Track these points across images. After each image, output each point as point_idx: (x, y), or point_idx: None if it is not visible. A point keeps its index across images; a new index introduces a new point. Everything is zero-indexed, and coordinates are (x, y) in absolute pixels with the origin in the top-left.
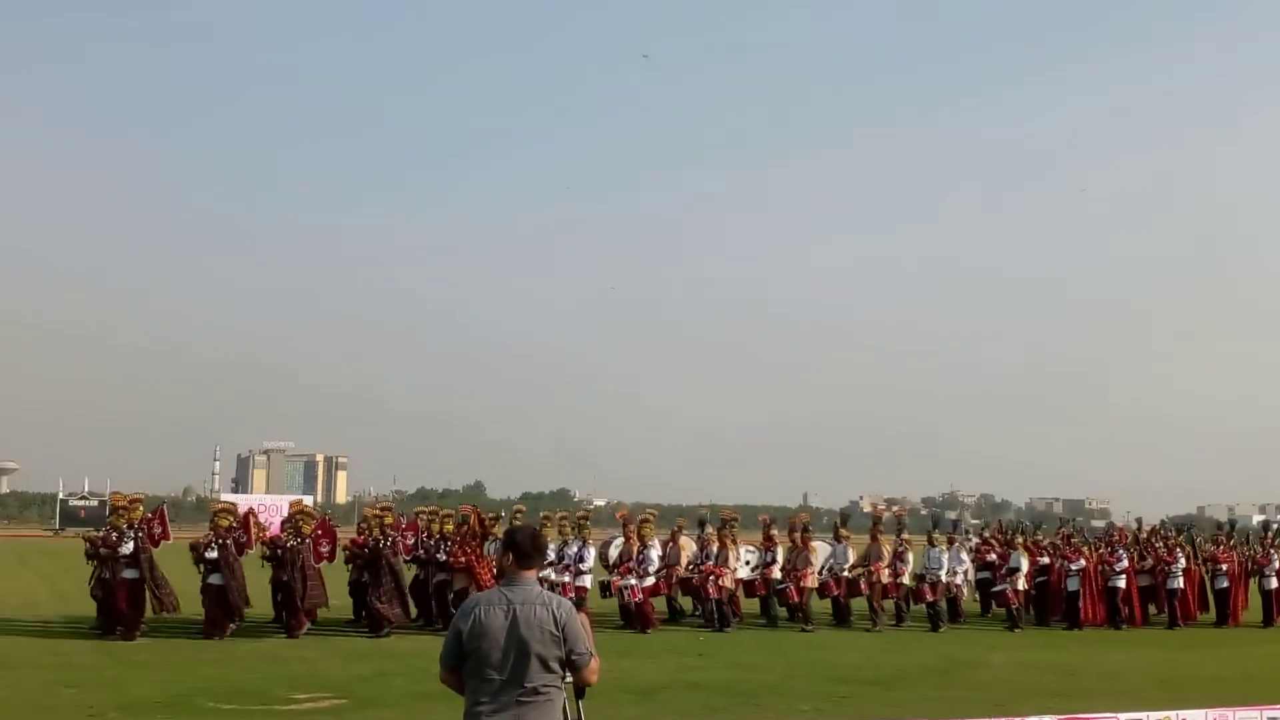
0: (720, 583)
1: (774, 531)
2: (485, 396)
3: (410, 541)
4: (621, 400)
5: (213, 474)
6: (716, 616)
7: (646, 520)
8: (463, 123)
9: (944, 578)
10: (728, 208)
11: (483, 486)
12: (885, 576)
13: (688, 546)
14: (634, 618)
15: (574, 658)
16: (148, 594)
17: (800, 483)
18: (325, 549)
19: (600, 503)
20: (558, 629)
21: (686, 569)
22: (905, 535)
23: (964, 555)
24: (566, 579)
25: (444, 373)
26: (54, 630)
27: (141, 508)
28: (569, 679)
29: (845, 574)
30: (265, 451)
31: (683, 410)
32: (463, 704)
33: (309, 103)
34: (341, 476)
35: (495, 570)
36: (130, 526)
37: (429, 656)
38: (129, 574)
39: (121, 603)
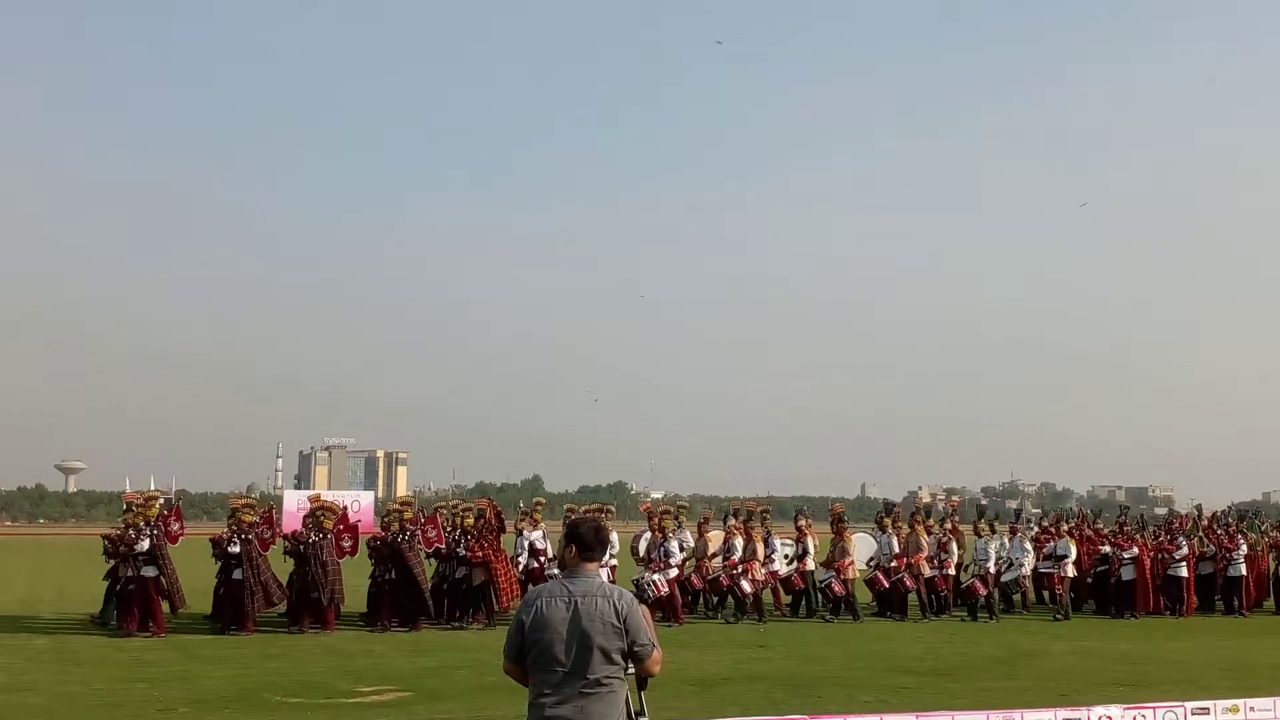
0: (752, 576)
1: (803, 523)
2: (542, 392)
3: (431, 536)
4: (678, 394)
5: (276, 470)
6: (749, 609)
7: (667, 513)
8: (501, 127)
9: (991, 569)
10: (788, 201)
11: (541, 480)
12: (926, 568)
13: (716, 540)
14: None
15: (636, 649)
16: (168, 590)
17: (859, 473)
18: (347, 544)
19: (657, 495)
20: (619, 621)
21: (711, 562)
22: (952, 525)
23: (1027, 545)
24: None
25: (501, 369)
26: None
27: (157, 505)
28: (631, 670)
29: (890, 565)
30: (327, 448)
31: (741, 403)
32: (525, 696)
33: (362, 122)
34: (402, 472)
35: (531, 563)
36: (147, 524)
37: (491, 649)
38: (148, 571)
39: (142, 600)
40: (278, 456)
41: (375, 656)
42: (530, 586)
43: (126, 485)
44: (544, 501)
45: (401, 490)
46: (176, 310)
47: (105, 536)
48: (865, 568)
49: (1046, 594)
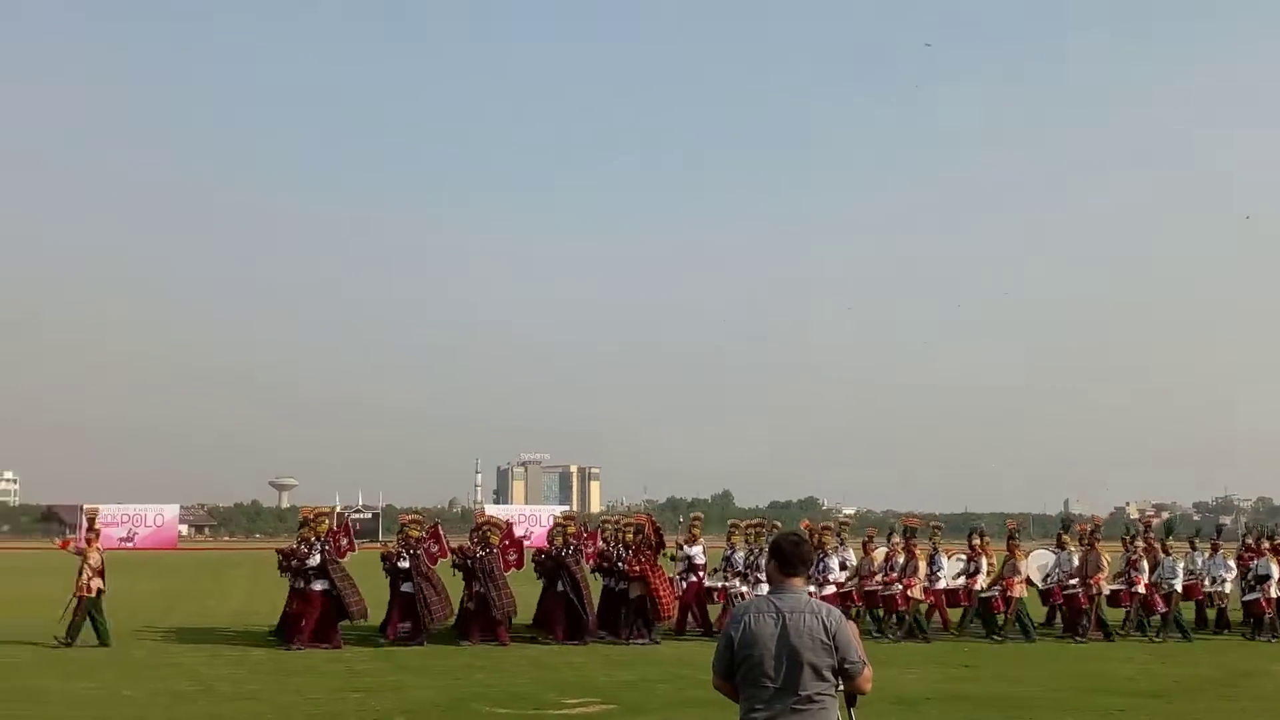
0: (909, 593)
1: (977, 541)
2: (733, 408)
3: (592, 550)
4: (871, 407)
5: (475, 486)
6: (910, 627)
7: (827, 529)
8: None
9: (1178, 587)
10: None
11: (731, 496)
12: (1106, 587)
13: (880, 557)
14: None
15: (847, 666)
16: (336, 604)
17: (1062, 489)
18: (513, 558)
19: (850, 511)
20: (828, 637)
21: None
22: (1147, 542)
23: (1230, 562)
24: (747, 588)
25: (690, 386)
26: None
27: (327, 521)
28: (840, 688)
29: (1068, 583)
30: (523, 464)
31: (938, 417)
32: (734, 711)
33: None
34: (595, 487)
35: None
36: (317, 539)
37: (692, 664)
38: (318, 585)
39: (312, 614)
40: (477, 473)
41: (577, 669)
42: (690, 601)
43: (336, 501)
44: (702, 517)
45: (595, 505)
46: (378, 332)
47: (279, 551)
48: (1040, 585)
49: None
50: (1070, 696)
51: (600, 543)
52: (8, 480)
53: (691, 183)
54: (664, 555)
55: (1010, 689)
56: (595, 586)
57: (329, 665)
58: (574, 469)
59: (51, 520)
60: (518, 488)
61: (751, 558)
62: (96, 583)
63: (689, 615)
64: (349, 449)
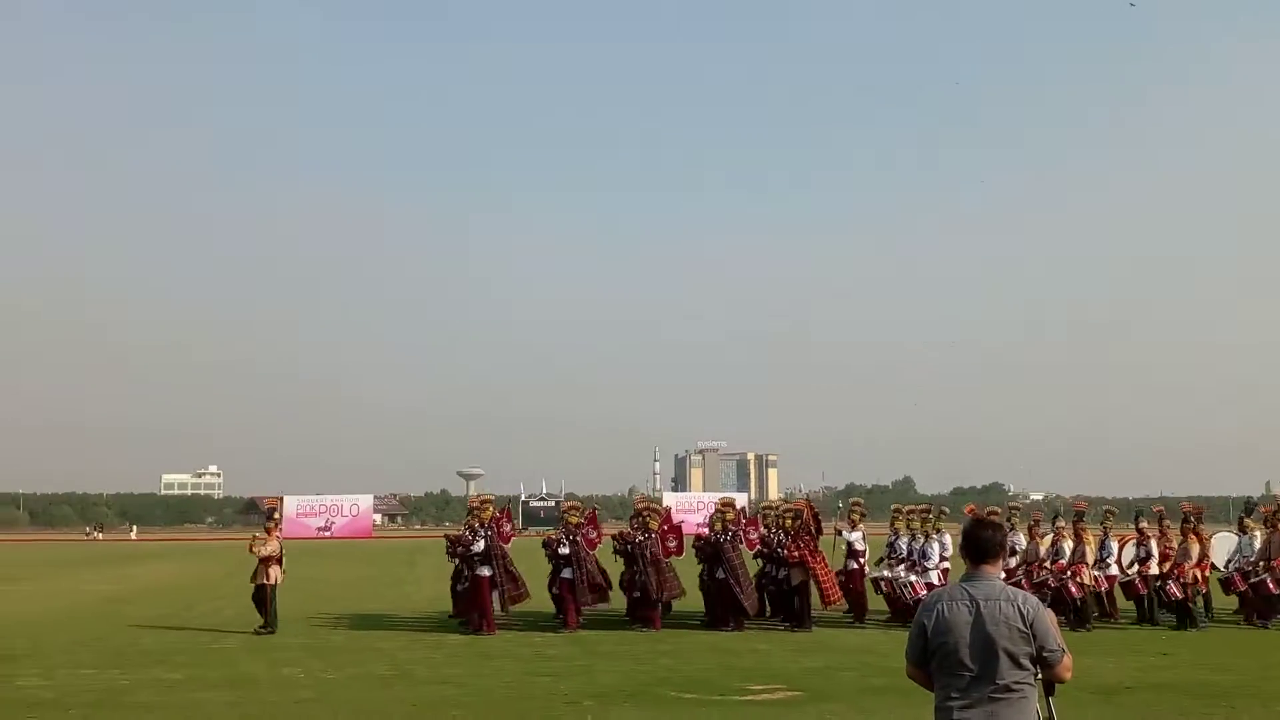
0: (1079, 579)
1: (1144, 524)
2: (913, 392)
3: (753, 537)
4: (1056, 390)
5: (654, 474)
6: (1075, 615)
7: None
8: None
9: None
10: None
11: (912, 482)
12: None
13: (1046, 543)
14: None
15: (1046, 654)
16: (501, 588)
17: (1264, 470)
18: (672, 543)
19: (1037, 496)
20: (1025, 625)
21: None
22: None
23: None
24: (914, 577)
25: (870, 372)
26: (528, 623)
27: (491, 508)
28: (1039, 676)
29: (1250, 568)
30: (700, 451)
31: (1125, 400)
32: (922, 699)
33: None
34: (772, 474)
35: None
36: (482, 525)
37: (878, 651)
38: (483, 571)
39: (478, 598)
40: (655, 460)
41: (762, 655)
42: (850, 587)
43: (521, 490)
44: (862, 502)
45: (773, 492)
46: (556, 323)
47: (447, 537)
48: (1222, 570)
49: None
50: (1275, 685)
51: (762, 529)
52: (212, 474)
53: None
54: (824, 542)
55: (1211, 677)
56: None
57: (521, 649)
58: (751, 456)
59: (253, 511)
60: (695, 475)
61: (917, 544)
62: (275, 571)
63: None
64: (532, 440)
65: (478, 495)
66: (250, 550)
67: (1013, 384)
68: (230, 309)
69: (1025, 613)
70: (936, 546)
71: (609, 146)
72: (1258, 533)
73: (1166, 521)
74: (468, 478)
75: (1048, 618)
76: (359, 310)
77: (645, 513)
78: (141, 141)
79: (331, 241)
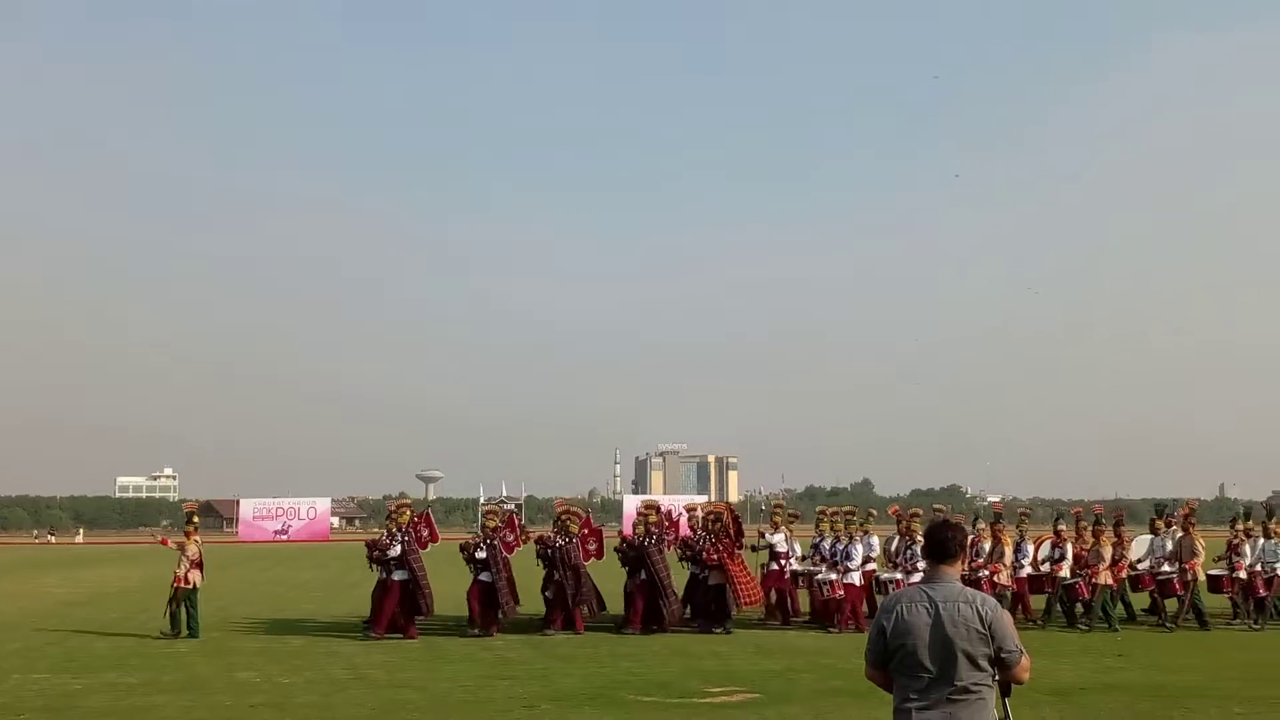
0: (995, 579)
1: (1062, 526)
2: (873, 394)
3: (673, 538)
4: (1009, 392)
5: (614, 476)
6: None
7: (916, 515)
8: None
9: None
10: None
11: (870, 484)
12: (1201, 573)
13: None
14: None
15: (1004, 655)
16: (415, 595)
17: (1217, 473)
18: (593, 547)
19: (994, 499)
20: (984, 626)
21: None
22: (1246, 528)
23: None
24: (835, 576)
25: (832, 374)
26: (448, 628)
27: (409, 512)
28: (996, 677)
29: (1160, 569)
30: (661, 454)
31: (1082, 404)
32: (879, 701)
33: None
34: (732, 476)
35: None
36: (399, 530)
37: (837, 654)
38: (399, 575)
39: (392, 604)
40: (615, 463)
41: (722, 658)
42: (772, 589)
43: (480, 493)
44: (783, 504)
45: (733, 495)
46: (514, 324)
47: (366, 543)
48: (1134, 570)
49: None
50: (1229, 686)
51: (686, 530)
52: (168, 477)
53: None
54: (745, 548)
55: (1167, 678)
56: (681, 574)
57: (481, 653)
58: (711, 459)
59: (209, 514)
60: (656, 478)
61: (841, 545)
62: (195, 575)
63: (786, 603)
64: (490, 442)
65: (396, 499)
66: (172, 545)
67: (974, 385)
68: (188, 309)
69: (984, 614)
70: (860, 548)
71: (571, 146)
72: (1169, 534)
73: (1084, 523)
74: (427, 480)
75: (1005, 619)
76: (317, 311)
77: (565, 517)
78: (121, 139)
79: (289, 240)
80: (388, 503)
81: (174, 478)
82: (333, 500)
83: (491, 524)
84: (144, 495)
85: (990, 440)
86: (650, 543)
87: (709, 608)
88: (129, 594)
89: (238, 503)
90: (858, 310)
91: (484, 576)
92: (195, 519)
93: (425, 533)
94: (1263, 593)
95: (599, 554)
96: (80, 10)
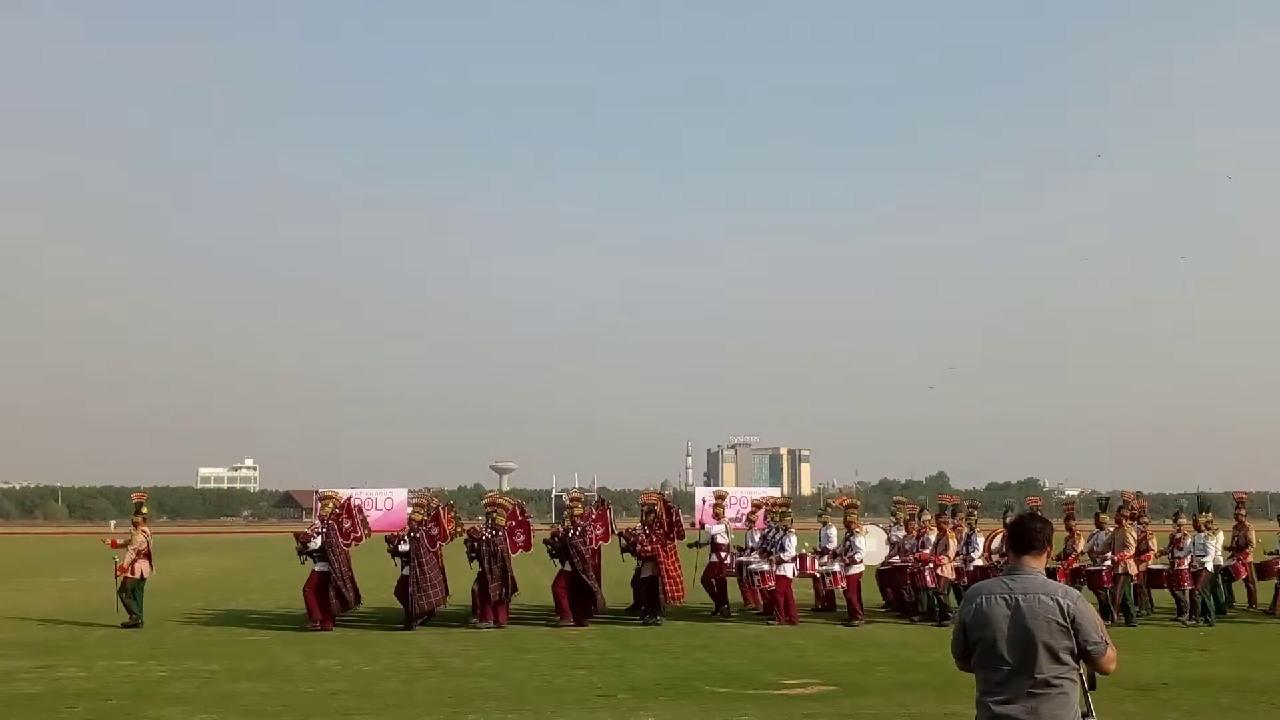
0: (939, 572)
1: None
2: (948, 387)
3: (599, 531)
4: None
5: (686, 468)
6: (935, 608)
7: (854, 506)
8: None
9: (1209, 566)
10: None
11: (946, 477)
12: (1134, 565)
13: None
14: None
15: (1090, 648)
16: (337, 586)
17: None
18: (520, 539)
19: (1073, 492)
20: (1065, 619)
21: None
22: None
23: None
24: (766, 566)
25: (899, 367)
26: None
27: (332, 504)
28: (1080, 670)
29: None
30: (733, 446)
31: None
32: (957, 694)
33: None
34: (805, 469)
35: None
36: (321, 521)
37: (913, 646)
38: (319, 567)
39: (312, 595)
40: (687, 455)
41: (796, 649)
42: (711, 580)
43: (553, 484)
44: (726, 494)
45: (806, 488)
46: (595, 322)
47: (295, 534)
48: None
49: None
50: None
51: (611, 523)
52: (249, 468)
53: None
54: (683, 544)
55: (1251, 673)
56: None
57: (557, 643)
58: (784, 451)
59: (289, 505)
60: (728, 470)
61: (776, 536)
62: (141, 565)
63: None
64: (566, 433)
65: (330, 491)
66: (120, 544)
67: (1051, 377)
68: (271, 307)
69: (1065, 606)
70: (794, 539)
71: (636, 135)
72: (1111, 527)
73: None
74: (501, 471)
75: (1089, 611)
76: (397, 307)
77: (492, 509)
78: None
79: (370, 239)
80: (319, 494)
81: (254, 469)
82: (409, 491)
83: (417, 517)
84: (225, 486)
85: (1068, 432)
86: (575, 534)
87: (647, 598)
88: (212, 582)
89: (316, 493)
90: (938, 299)
91: (406, 570)
92: (144, 509)
93: (348, 524)
94: (1188, 586)
95: (526, 546)
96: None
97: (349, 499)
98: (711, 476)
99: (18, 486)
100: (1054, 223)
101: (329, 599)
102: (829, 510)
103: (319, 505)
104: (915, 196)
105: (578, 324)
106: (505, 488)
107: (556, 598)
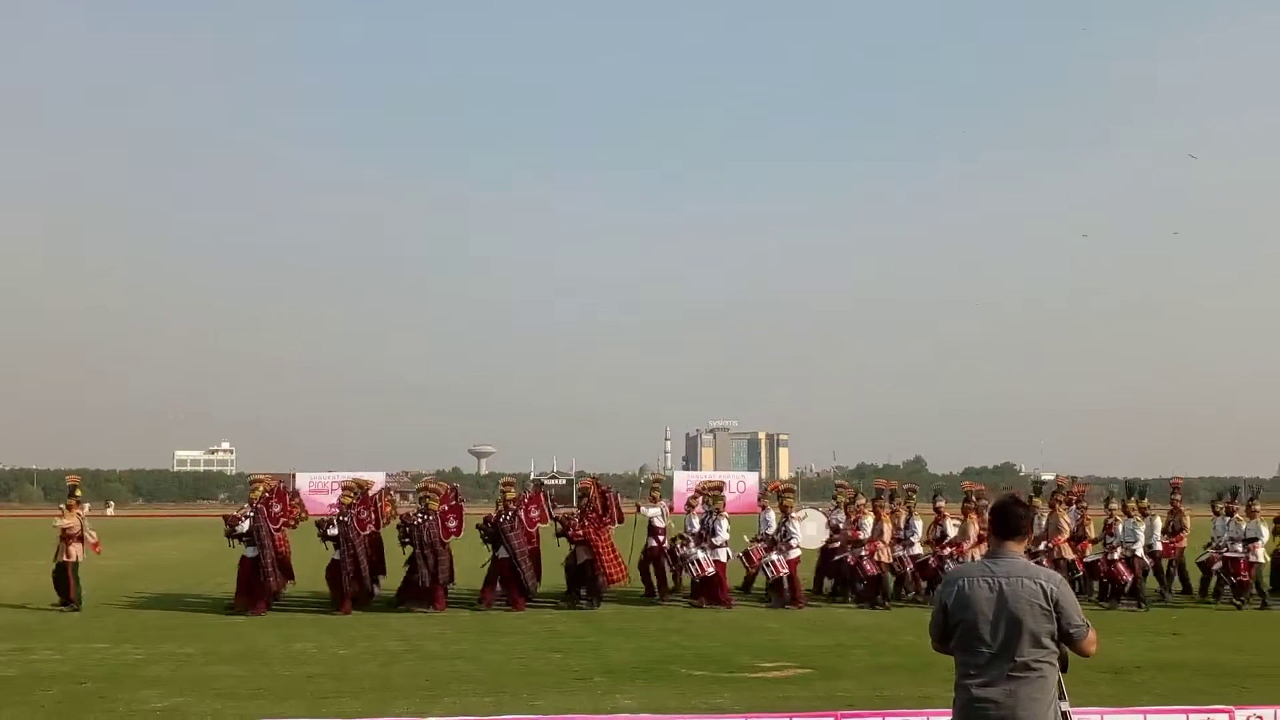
0: (876, 558)
1: (941, 504)
2: (923, 372)
3: (534, 515)
4: (1068, 369)
5: (664, 452)
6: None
7: (790, 491)
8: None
9: (1138, 551)
10: None
11: (923, 461)
12: (1069, 551)
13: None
14: (779, 592)
15: (1072, 630)
16: (267, 571)
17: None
18: (453, 524)
19: (1048, 477)
20: (1048, 602)
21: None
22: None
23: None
24: (701, 552)
25: (882, 352)
26: (540, 601)
27: (261, 488)
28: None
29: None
30: (711, 430)
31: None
32: (932, 677)
33: None
34: (783, 453)
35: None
36: (250, 505)
37: (888, 629)
38: (249, 552)
39: (242, 579)
40: (666, 439)
41: (772, 633)
42: (649, 564)
43: (532, 468)
44: (660, 480)
45: (784, 471)
46: (569, 304)
47: (224, 517)
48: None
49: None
50: None
51: (544, 505)
52: (225, 450)
53: None
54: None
55: (1223, 657)
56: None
57: (532, 626)
58: (762, 435)
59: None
60: (706, 454)
61: (709, 521)
62: (76, 548)
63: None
64: (543, 418)
65: (258, 475)
66: (94, 549)
67: (1028, 361)
68: (246, 293)
69: (1048, 590)
70: (725, 523)
71: (609, 124)
72: (1045, 512)
73: (984, 501)
74: (479, 455)
75: (1071, 595)
76: (370, 291)
77: (425, 494)
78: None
79: (340, 224)
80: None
81: (231, 452)
82: (386, 474)
83: (347, 501)
84: (201, 469)
85: (1047, 417)
86: (506, 519)
87: (583, 583)
88: (187, 566)
89: (293, 477)
90: (915, 284)
91: (335, 554)
92: (78, 492)
93: (278, 508)
94: (1127, 577)
95: (458, 531)
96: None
97: (279, 483)
98: (690, 461)
99: None
100: (1050, 207)
101: (258, 583)
102: (766, 495)
103: (249, 489)
104: (892, 183)
105: (557, 310)
106: (484, 471)
107: (487, 583)
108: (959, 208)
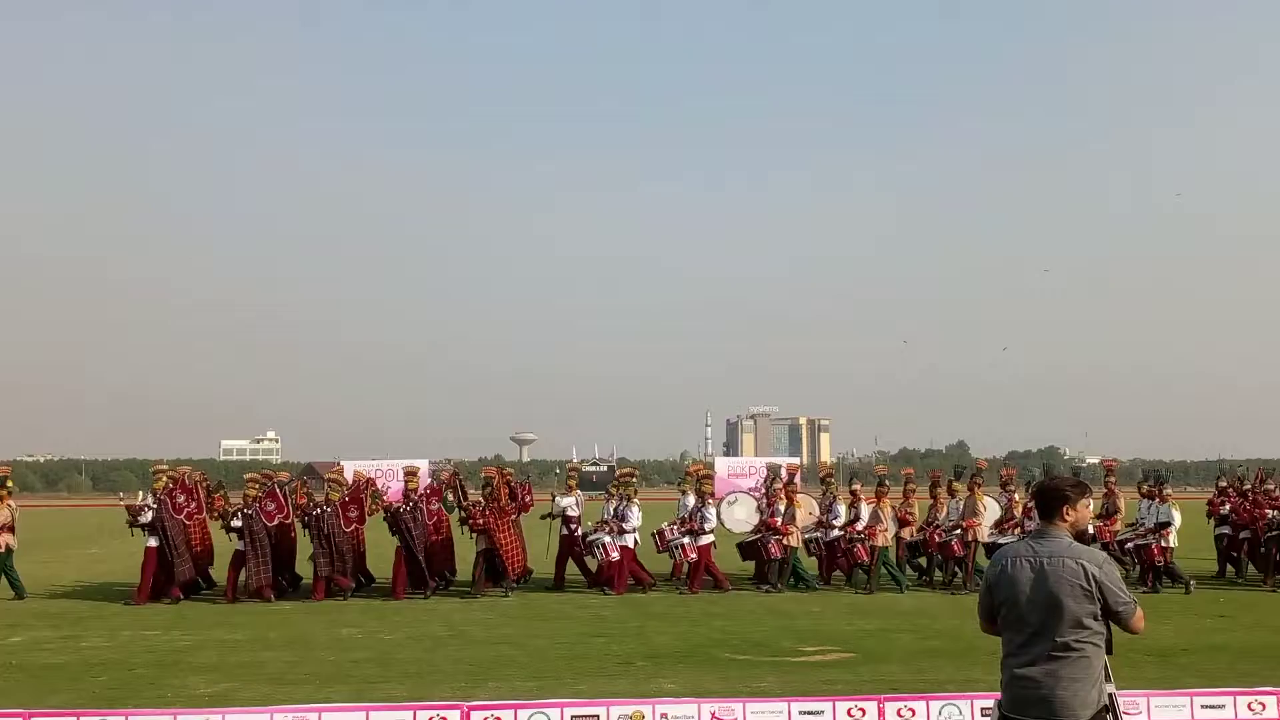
0: (785, 541)
1: (857, 486)
2: (967, 354)
3: (435, 507)
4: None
5: (705, 438)
6: (777, 576)
7: (708, 476)
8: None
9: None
10: None
11: (966, 446)
12: (983, 535)
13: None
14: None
15: (1119, 609)
16: (169, 562)
17: None
18: (354, 514)
19: (1093, 460)
20: (1089, 583)
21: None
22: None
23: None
24: (608, 537)
25: (922, 336)
26: (581, 584)
27: (165, 478)
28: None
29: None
30: (752, 416)
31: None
32: (976, 661)
33: None
34: (824, 438)
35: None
36: (153, 495)
37: (932, 614)
38: (151, 542)
39: (144, 570)
40: (707, 425)
41: (815, 617)
42: (563, 553)
43: (573, 455)
44: (578, 468)
45: (825, 457)
46: (608, 290)
47: (126, 507)
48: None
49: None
50: None
51: (440, 496)
52: (270, 440)
53: None
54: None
55: (1271, 639)
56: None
57: (577, 611)
58: (803, 420)
59: (312, 476)
60: (747, 440)
61: (620, 507)
62: (7, 538)
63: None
64: (585, 405)
65: (163, 464)
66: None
67: (1075, 346)
68: (295, 283)
69: (1090, 571)
70: (635, 510)
71: (654, 100)
72: (963, 496)
73: (912, 485)
74: (521, 442)
75: (1115, 574)
76: (416, 281)
77: (329, 484)
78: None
79: (386, 212)
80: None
81: (276, 440)
82: (429, 462)
83: (252, 493)
84: (247, 458)
85: (1093, 402)
86: (406, 510)
87: (489, 571)
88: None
89: (339, 464)
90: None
91: (239, 545)
92: (9, 484)
93: (182, 499)
94: (959, 553)
95: (360, 520)
96: None
97: (184, 475)
98: (731, 447)
99: (42, 459)
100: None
101: (154, 572)
102: (685, 479)
103: (153, 478)
104: (932, 166)
105: (598, 294)
106: (525, 459)
107: (395, 571)
108: (1011, 179)
